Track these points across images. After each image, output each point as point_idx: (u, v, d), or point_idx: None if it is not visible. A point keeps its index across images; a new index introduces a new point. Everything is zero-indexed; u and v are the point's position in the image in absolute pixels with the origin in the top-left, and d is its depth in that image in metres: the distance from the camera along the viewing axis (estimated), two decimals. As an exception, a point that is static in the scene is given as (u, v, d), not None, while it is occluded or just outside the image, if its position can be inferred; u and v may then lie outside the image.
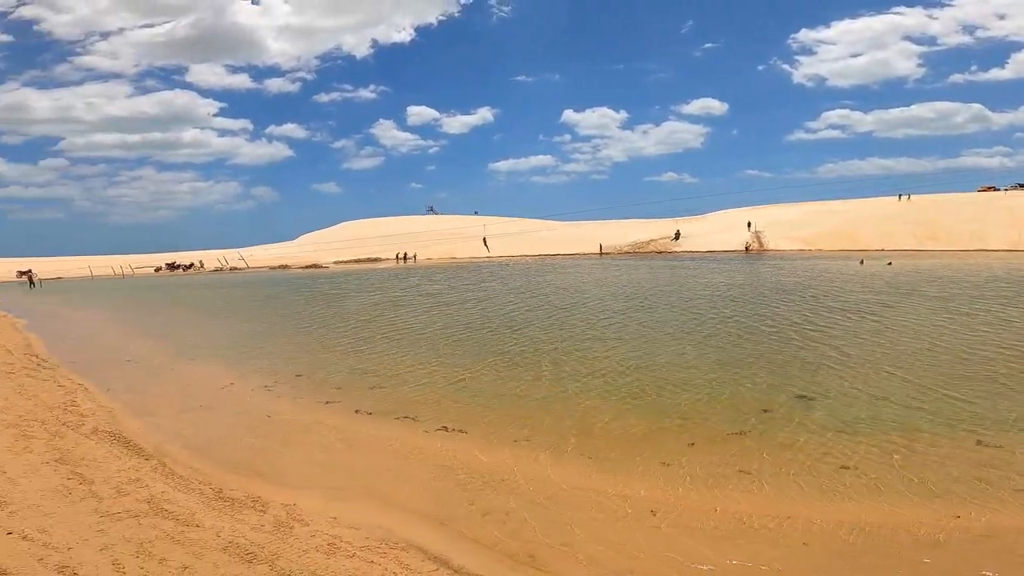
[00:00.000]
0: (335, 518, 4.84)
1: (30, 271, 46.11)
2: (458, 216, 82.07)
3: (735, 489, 5.43)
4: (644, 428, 7.07)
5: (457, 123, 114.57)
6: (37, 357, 12.05)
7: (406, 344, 12.94)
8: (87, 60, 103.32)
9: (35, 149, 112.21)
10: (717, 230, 54.29)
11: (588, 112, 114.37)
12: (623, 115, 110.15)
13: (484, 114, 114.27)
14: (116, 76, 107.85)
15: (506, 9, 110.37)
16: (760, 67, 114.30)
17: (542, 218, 79.97)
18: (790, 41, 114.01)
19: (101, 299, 29.65)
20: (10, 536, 3.81)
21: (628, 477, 5.76)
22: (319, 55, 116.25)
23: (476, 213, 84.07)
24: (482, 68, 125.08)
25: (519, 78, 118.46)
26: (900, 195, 56.87)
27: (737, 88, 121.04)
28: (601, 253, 52.75)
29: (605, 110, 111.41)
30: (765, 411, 7.42)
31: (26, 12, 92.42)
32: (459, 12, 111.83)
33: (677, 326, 13.95)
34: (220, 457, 6.33)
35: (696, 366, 9.86)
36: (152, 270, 56.04)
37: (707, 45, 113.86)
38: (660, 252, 50.11)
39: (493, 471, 5.93)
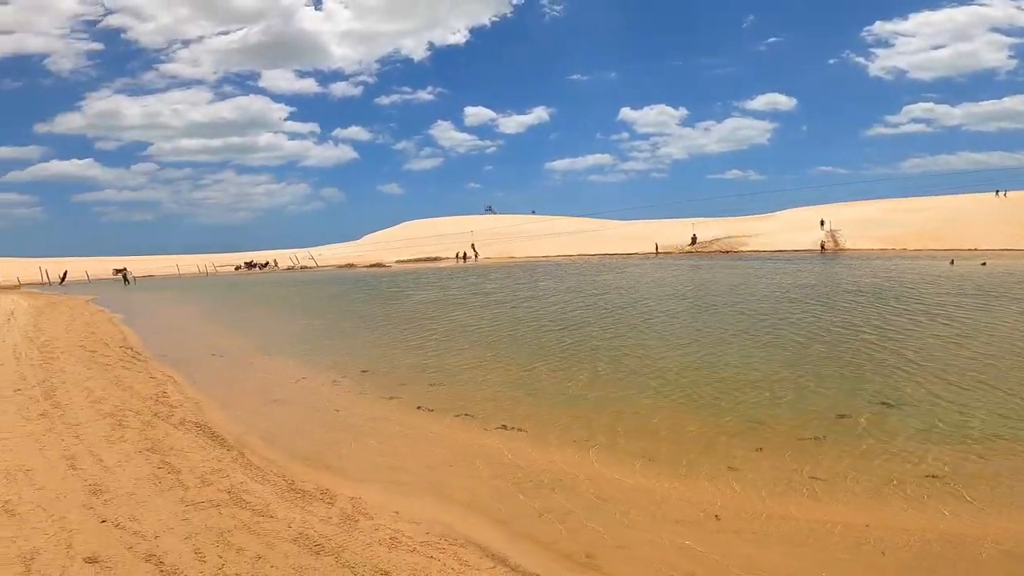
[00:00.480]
0: (397, 512, 4.97)
1: (124, 269, 50.38)
2: (516, 215, 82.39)
3: (808, 496, 5.21)
4: (708, 431, 6.87)
5: (513, 123, 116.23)
6: (132, 350, 13.08)
7: (465, 342, 13.16)
8: (171, 67, 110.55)
9: (128, 154, 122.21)
10: (786, 229, 51.84)
11: (646, 110, 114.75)
12: (683, 112, 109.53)
13: (540, 113, 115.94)
14: (198, 83, 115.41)
15: (558, 8, 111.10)
16: (831, 61, 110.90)
17: (599, 217, 78.88)
18: (864, 34, 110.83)
19: (187, 296, 31.93)
20: (104, 524, 4.16)
21: (691, 480, 5.62)
22: (379, 59, 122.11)
23: (533, 212, 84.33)
24: (536, 68, 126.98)
25: (574, 77, 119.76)
26: (997, 191, 52.19)
27: (806, 83, 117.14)
28: (657, 252, 51.57)
29: (663, 107, 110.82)
30: (841, 416, 7.04)
31: (113, 21, 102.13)
32: (511, 13, 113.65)
33: (740, 327, 13.44)
34: (293, 449, 6.63)
35: (762, 369, 9.46)
36: (232, 268, 59.81)
37: (771, 39, 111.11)
38: (725, 252, 48.33)
39: (551, 470, 5.92)
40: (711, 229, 56.76)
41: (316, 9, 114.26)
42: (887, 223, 47.10)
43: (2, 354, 11.36)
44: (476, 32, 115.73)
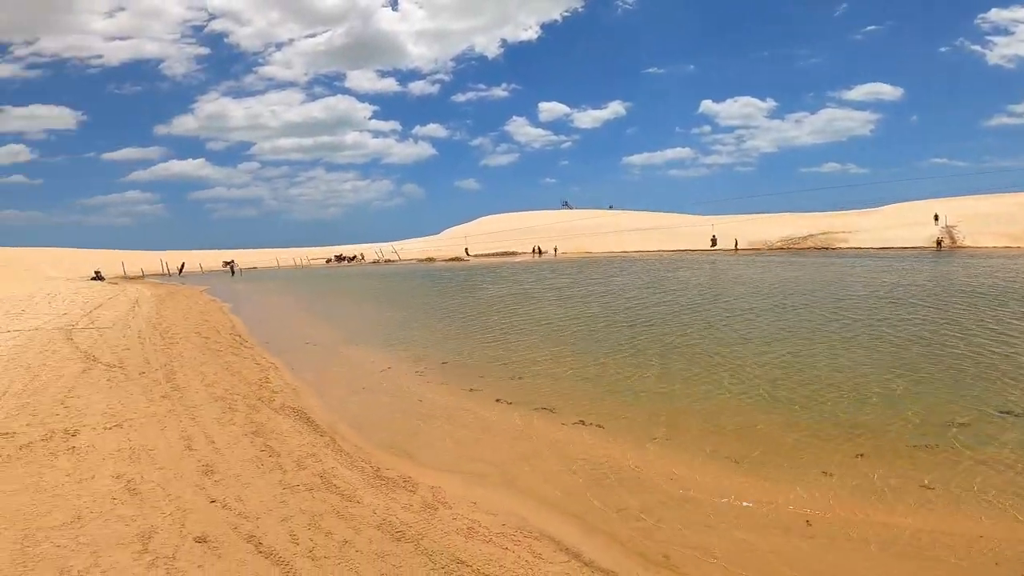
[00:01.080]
0: (475, 503, 5.08)
1: (232, 261, 55.03)
2: (592, 210, 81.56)
3: (914, 504, 4.85)
4: (798, 435, 6.51)
5: (588, 118, 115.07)
6: (239, 337, 14.23)
7: (542, 336, 13.22)
8: (268, 70, 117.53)
9: (234, 154, 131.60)
10: (893, 224, 47.55)
11: (729, 102, 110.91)
12: (770, 104, 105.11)
13: (616, 108, 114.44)
14: (291, 84, 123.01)
15: (631, 1, 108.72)
16: (943, 49, 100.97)
17: (679, 212, 76.13)
18: (978, 21, 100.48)
19: (284, 287, 34.33)
20: (213, 504, 4.54)
21: (779, 484, 5.37)
22: (454, 57, 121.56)
23: (611, 207, 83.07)
24: (611, 62, 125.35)
25: (650, 70, 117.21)
26: None
27: (913, 72, 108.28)
28: (736, 249, 49.19)
29: (748, 99, 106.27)
30: (955, 424, 6.43)
31: (217, 25, 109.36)
32: (583, 7, 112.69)
33: (831, 327, 12.54)
34: (378, 437, 6.94)
35: (862, 372, 8.80)
36: (323, 261, 63.66)
37: (869, 28, 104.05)
38: (820, 248, 45.10)
39: (629, 467, 5.86)
40: (804, 225, 53.15)
41: (393, 9, 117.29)
42: (1013, 219, 41.85)
43: (129, 339, 12.74)
44: (547, 28, 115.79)
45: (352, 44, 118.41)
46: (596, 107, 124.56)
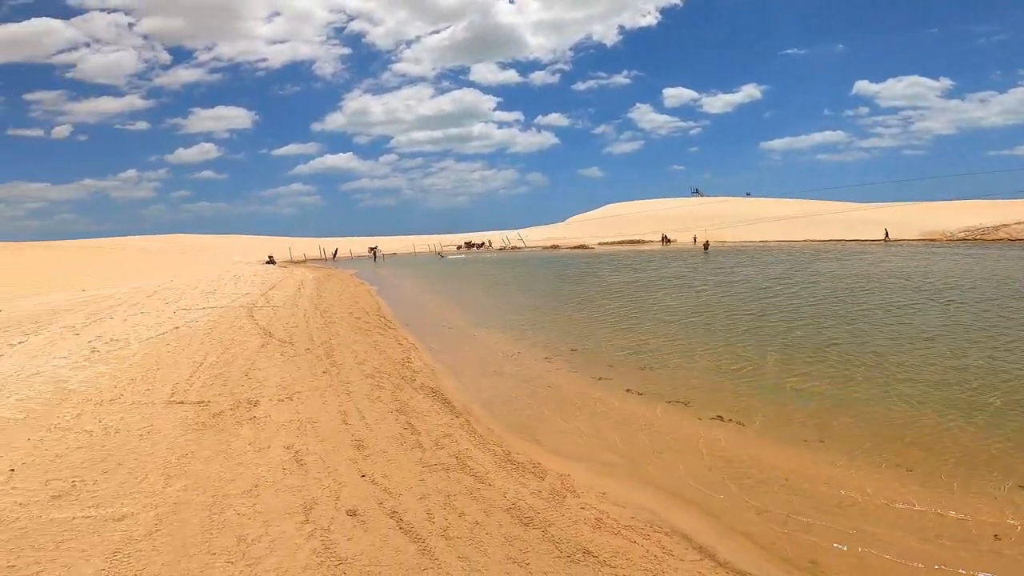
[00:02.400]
0: (604, 493, 5.05)
1: (375, 247, 60.20)
2: (727, 198, 76.82)
3: None
4: (985, 444, 5.72)
5: (719, 102, 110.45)
6: (384, 318, 15.46)
7: (674, 326, 12.79)
8: (400, 67, 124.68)
9: (376, 147, 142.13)
10: None
11: (891, 82, 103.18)
12: (945, 83, 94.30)
13: (750, 91, 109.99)
14: (422, 79, 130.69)
15: None
16: None
17: (830, 199, 68.42)
18: None
19: (421, 271, 36.69)
20: (363, 479, 4.97)
21: (957, 495, 4.83)
22: (572, 46, 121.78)
23: (748, 195, 77.84)
24: (741, 44, 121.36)
25: (789, 51, 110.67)
26: None
27: None
28: (886, 240, 44.04)
29: (916, 78, 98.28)
30: None
31: (355, 26, 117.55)
32: None
33: (1007, 326, 10.84)
34: (509, 421, 7.14)
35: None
36: (454, 248, 67.21)
37: None
38: (1017, 240, 38.02)
39: (774, 468, 5.50)
40: (994, 213, 44.98)
41: (510, 2, 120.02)
42: None
43: (297, 318, 14.42)
44: (668, 12, 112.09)
45: (473, 38, 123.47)
46: (727, 91, 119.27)
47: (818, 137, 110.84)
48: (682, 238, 54.38)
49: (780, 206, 66.53)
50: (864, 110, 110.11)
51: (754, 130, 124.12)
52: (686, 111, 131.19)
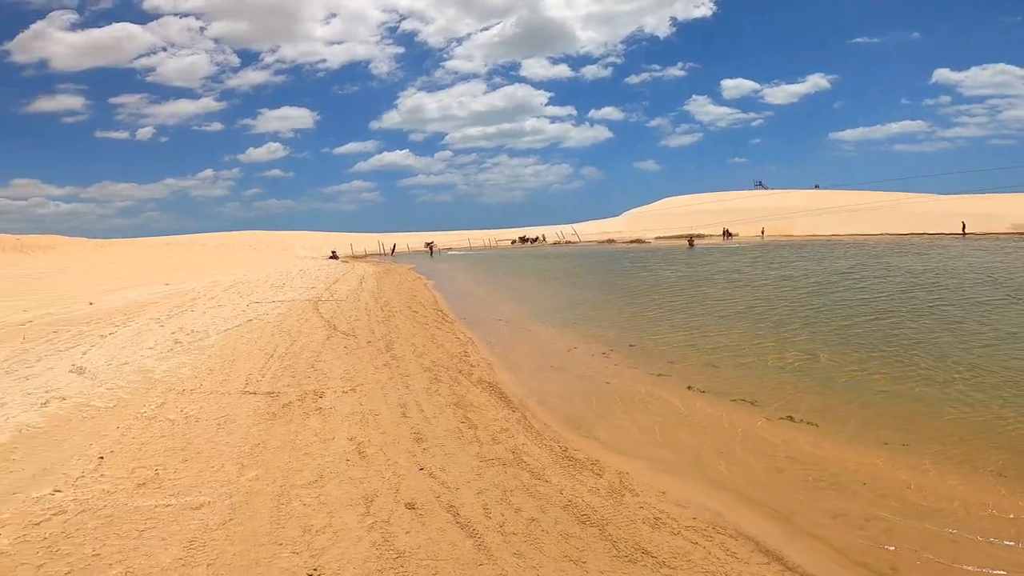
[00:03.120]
0: (663, 493, 4.92)
1: (432, 243, 61.52)
2: (793, 191, 73.94)
3: None
4: None
5: (782, 93, 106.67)
6: (441, 312, 15.73)
7: (737, 322, 12.36)
8: (453, 64, 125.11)
9: (431, 144, 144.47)
10: None
11: (974, 70, 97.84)
12: None
13: (816, 81, 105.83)
14: (474, 76, 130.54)
15: None
16: None
17: (908, 191, 64.40)
18: None
19: (476, 265, 37.06)
20: (421, 472, 5.05)
21: None
22: (623, 39, 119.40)
23: (817, 187, 74.62)
24: (804, 34, 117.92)
25: (858, 40, 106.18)
26: None
27: None
28: (964, 233, 40.87)
29: (1003, 66, 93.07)
30: None
31: (407, 25, 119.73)
32: None
33: None
34: (566, 416, 7.08)
35: None
36: (509, 242, 67.61)
37: None
38: None
39: (852, 471, 5.22)
40: None
41: None
42: None
43: (359, 311, 14.89)
44: (723, 3, 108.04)
45: (523, 33, 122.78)
46: (791, 82, 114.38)
47: (895, 127, 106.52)
48: (744, 232, 52.48)
49: (853, 198, 63.12)
50: (946, 99, 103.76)
51: (823, 121, 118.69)
52: (747, 102, 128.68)
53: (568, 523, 4.26)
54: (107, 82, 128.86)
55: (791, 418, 6.55)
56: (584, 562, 3.76)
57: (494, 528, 4.13)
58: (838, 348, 9.65)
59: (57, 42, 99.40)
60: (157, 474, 4.80)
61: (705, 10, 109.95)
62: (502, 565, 3.67)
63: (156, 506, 4.26)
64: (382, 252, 62.58)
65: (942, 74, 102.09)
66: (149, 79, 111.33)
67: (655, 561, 3.80)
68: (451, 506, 4.43)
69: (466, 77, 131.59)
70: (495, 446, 5.74)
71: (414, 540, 3.93)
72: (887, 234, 45.60)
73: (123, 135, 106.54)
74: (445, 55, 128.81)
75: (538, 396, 7.89)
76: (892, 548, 4.04)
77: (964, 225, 43.85)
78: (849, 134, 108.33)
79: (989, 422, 6.20)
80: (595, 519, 4.33)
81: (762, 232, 50.63)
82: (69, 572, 3.43)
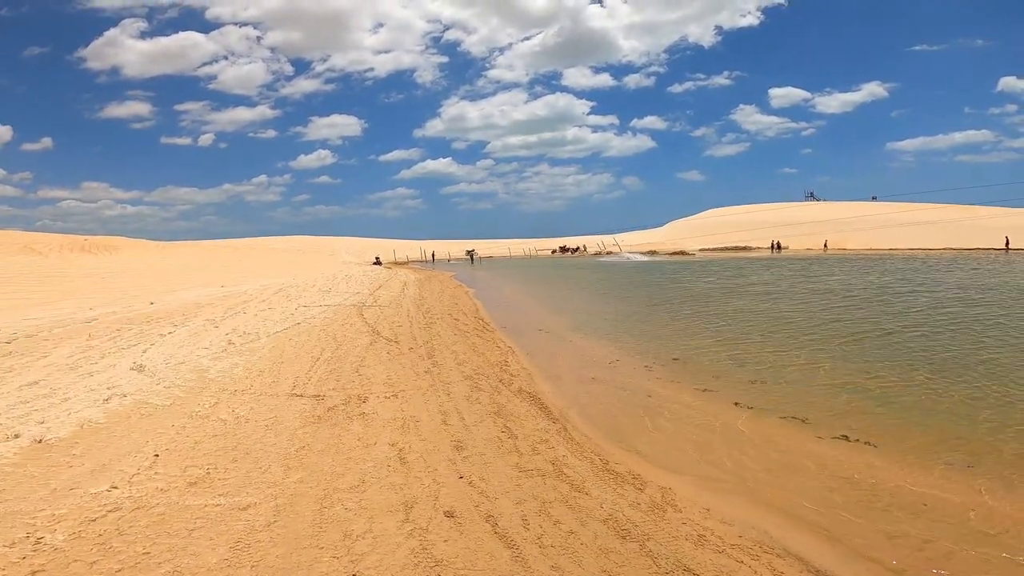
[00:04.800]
0: (708, 509, 4.79)
1: (472, 251, 62.12)
2: (848, 203, 71.59)
3: None
4: None
5: (835, 102, 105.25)
6: (482, 320, 15.80)
7: (786, 339, 11.91)
8: (495, 73, 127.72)
9: (473, 152, 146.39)
10: None
11: None
12: None
13: (873, 89, 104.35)
14: (515, 85, 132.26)
15: None
16: None
17: (975, 203, 61.33)
18: None
19: (517, 275, 37.14)
20: (461, 480, 5.05)
21: None
22: (666, 48, 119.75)
23: (874, 199, 72.28)
24: (860, 41, 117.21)
25: (917, 48, 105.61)
26: None
27: None
28: (1007, 248, 39.26)
29: None
30: None
31: (450, 35, 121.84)
32: None
33: None
34: (607, 429, 6.97)
35: None
36: (549, 252, 67.46)
37: None
38: None
39: (909, 492, 5.02)
40: None
41: (600, 6, 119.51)
42: None
43: (401, 317, 15.13)
44: (770, 12, 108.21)
45: (564, 43, 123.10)
46: (844, 90, 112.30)
47: (958, 137, 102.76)
48: (795, 244, 50.82)
49: (913, 210, 60.24)
50: (1012, 107, 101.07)
51: (879, 130, 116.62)
52: (797, 112, 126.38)
53: (608, 537, 4.18)
54: (172, 89, 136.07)
55: (846, 437, 6.29)
56: (625, 580, 3.69)
57: (532, 540, 4.09)
58: (894, 366, 9.19)
59: (128, 49, 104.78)
60: (208, 473, 4.96)
61: (752, 19, 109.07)
62: (541, 578, 3.63)
63: (205, 505, 4.39)
64: (424, 259, 63.57)
65: (1008, 82, 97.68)
66: (211, 87, 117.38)
67: (698, 579, 3.70)
68: (490, 516, 4.41)
69: (508, 86, 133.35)
70: (535, 456, 5.70)
71: (452, 549, 3.93)
72: (956, 249, 43.35)
73: (186, 141, 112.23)
74: (487, 64, 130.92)
75: (579, 407, 7.80)
76: (951, 571, 3.88)
77: (1008, 240, 42.01)
78: (908, 144, 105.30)
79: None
80: (636, 534, 4.24)
81: (824, 245, 49.12)
82: (120, 570, 3.56)
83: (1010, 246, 41.64)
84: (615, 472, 5.52)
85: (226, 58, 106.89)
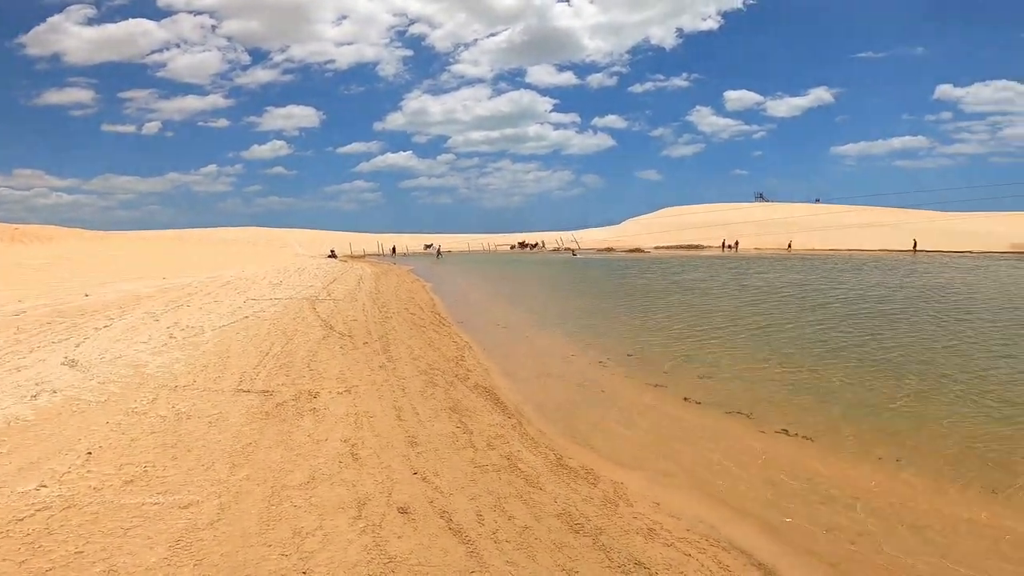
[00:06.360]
0: (658, 503, 4.90)
1: (431, 244, 61.77)
2: (795, 204, 75.27)
3: None
4: None
5: (784, 106, 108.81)
6: (439, 315, 15.67)
7: (735, 335, 12.41)
8: (459, 68, 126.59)
9: (434, 146, 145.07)
10: None
11: (977, 86, 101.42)
12: None
13: (819, 95, 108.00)
14: (480, 81, 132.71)
15: None
16: None
17: (909, 207, 66.05)
18: None
19: (476, 269, 37.05)
20: (415, 476, 4.99)
21: None
22: (629, 49, 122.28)
23: (818, 201, 76.30)
24: (809, 48, 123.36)
25: (862, 55, 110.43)
26: None
27: None
28: (914, 251, 41.43)
29: (1006, 83, 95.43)
30: None
31: (415, 29, 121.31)
32: None
33: None
34: (562, 424, 7.03)
35: None
36: (508, 247, 67.65)
37: None
38: None
39: (845, 486, 5.27)
40: None
41: (568, 5, 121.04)
42: None
43: (356, 311, 14.83)
44: (729, 16, 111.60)
45: (530, 40, 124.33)
46: (794, 95, 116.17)
47: (896, 143, 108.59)
48: (744, 244, 52.85)
49: (853, 213, 63.79)
50: (947, 115, 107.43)
51: (825, 134, 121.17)
52: (749, 114, 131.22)
53: (561, 532, 4.22)
54: (118, 76, 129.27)
55: (786, 431, 6.57)
56: (577, 571, 3.73)
57: (487, 535, 4.08)
58: (835, 363, 9.66)
59: (73, 36, 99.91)
60: (146, 471, 4.73)
61: (712, 23, 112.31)
62: (494, 573, 3.63)
63: (143, 504, 4.19)
64: (381, 253, 62.52)
65: (944, 90, 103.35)
66: (159, 75, 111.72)
67: (648, 572, 3.78)
68: (444, 512, 4.38)
69: (472, 82, 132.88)
70: (490, 452, 5.69)
71: (406, 545, 3.87)
72: (886, 250, 46.03)
73: (130, 129, 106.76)
74: (452, 59, 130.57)
75: (534, 403, 7.84)
76: (884, 563, 4.08)
77: (915, 243, 45.46)
78: (851, 148, 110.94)
79: (979, 437, 6.27)
80: (588, 528, 4.29)
81: (788, 245, 51.40)
82: (50, 569, 3.37)
83: (917, 248, 45.11)
84: (569, 467, 5.57)
85: (178, 46, 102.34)
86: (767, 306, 16.99)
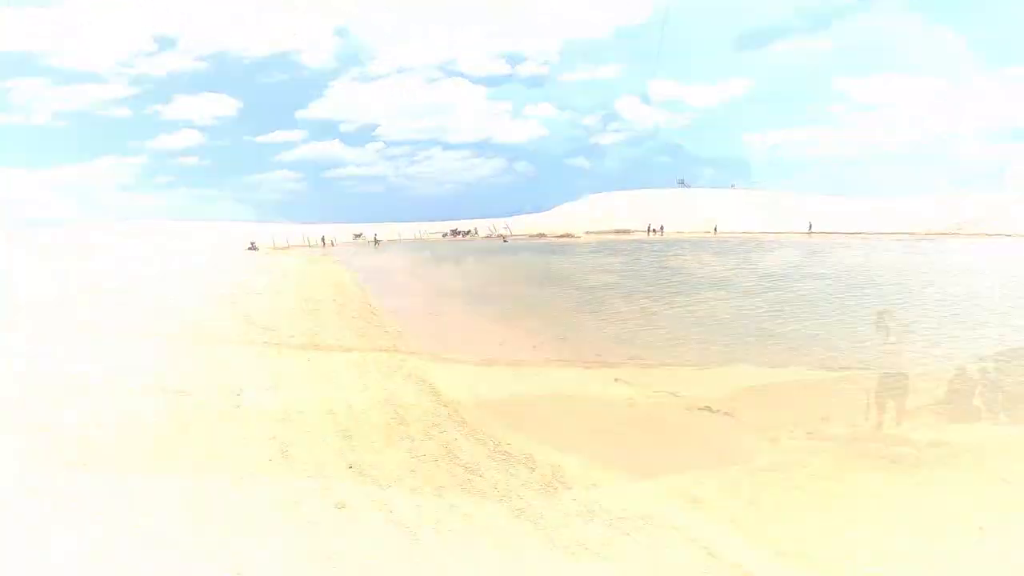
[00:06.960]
0: (595, 485, 5.01)
1: (363, 233, 59.91)
2: (714, 189, 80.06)
3: None
4: None
5: (704, 96, 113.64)
6: (370, 306, 15.24)
7: (665, 318, 12.95)
8: (389, 56, 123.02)
9: (362, 135, 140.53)
10: None
11: (873, 77, 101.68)
12: (926, 81, 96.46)
13: (736, 85, 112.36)
14: (409, 69, 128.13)
15: None
16: None
17: (821, 192, 71.84)
18: None
19: (407, 257, 36.44)
20: (351, 470, 4.89)
21: None
22: (561, 39, 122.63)
23: (733, 187, 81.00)
24: (727, 39, 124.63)
25: (776, 46, 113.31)
26: None
27: None
28: (810, 232, 45.65)
29: (891, 75, 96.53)
30: None
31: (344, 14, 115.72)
32: None
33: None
34: (499, 411, 7.03)
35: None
36: (440, 235, 66.86)
37: None
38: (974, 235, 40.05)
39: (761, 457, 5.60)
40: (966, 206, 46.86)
41: None
42: None
43: (285, 305, 14.19)
44: (657, 7, 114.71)
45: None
46: (713, 85, 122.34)
47: (800, 133, 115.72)
48: (669, 227, 55.39)
49: (762, 197, 68.21)
50: (840, 107, 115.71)
51: (741, 123, 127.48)
52: (672, 104, 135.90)
53: (503, 517, 4.27)
54: (5, 65, 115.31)
55: (709, 408, 6.91)
56: (521, 556, 3.78)
57: (430, 525, 4.05)
58: (756, 342, 10.33)
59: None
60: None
61: (641, 16, 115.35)
62: (438, 562, 3.61)
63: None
64: (307, 244, 59.94)
65: (841, 81, 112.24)
66: (52, 63, 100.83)
67: (590, 552, 3.89)
68: (384, 504, 4.31)
69: (402, 69, 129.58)
70: (427, 442, 5.64)
71: (347, 541, 3.77)
72: (795, 233, 49.75)
73: (18, 119, 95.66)
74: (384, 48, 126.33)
75: (470, 391, 7.79)
76: (797, 530, 4.37)
77: (811, 224, 50.04)
78: (762, 137, 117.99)
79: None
80: (529, 513, 4.37)
81: (714, 230, 54.25)
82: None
83: (812, 230, 49.49)
84: (507, 452, 5.62)
85: (73, 34, 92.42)
86: (709, 290, 17.75)
